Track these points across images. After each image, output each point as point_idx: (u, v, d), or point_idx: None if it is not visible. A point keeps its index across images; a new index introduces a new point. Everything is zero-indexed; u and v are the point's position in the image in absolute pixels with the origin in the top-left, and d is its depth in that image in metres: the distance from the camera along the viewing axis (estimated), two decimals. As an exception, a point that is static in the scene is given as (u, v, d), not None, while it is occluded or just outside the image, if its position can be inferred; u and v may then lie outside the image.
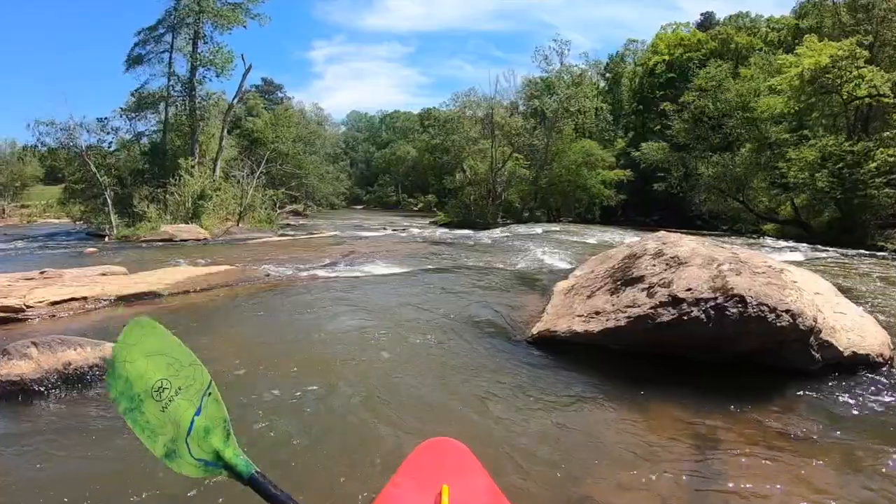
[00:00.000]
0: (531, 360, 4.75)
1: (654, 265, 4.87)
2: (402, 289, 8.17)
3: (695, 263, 4.65)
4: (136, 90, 25.14)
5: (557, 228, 26.21)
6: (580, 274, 7.01)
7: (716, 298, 4.15)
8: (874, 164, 19.42)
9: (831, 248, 17.61)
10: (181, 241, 17.30)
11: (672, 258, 4.83)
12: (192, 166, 22.59)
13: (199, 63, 24.66)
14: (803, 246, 18.34)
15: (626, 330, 4.43)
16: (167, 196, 21.21)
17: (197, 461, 1.38)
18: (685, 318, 4.13)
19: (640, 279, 4.76)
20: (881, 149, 19.54)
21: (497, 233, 24.03)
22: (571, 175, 35.75)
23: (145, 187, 22.32)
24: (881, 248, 18.50)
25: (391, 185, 68.92)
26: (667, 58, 37.67)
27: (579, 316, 4.89)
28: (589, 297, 5.24)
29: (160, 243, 16.72)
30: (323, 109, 58.22)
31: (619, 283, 5.06)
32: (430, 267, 10.92)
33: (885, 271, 11.80)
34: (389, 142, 73.39)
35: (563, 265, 11.72)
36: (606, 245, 16.67)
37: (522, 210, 35.56)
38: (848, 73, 20.11)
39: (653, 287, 4.50)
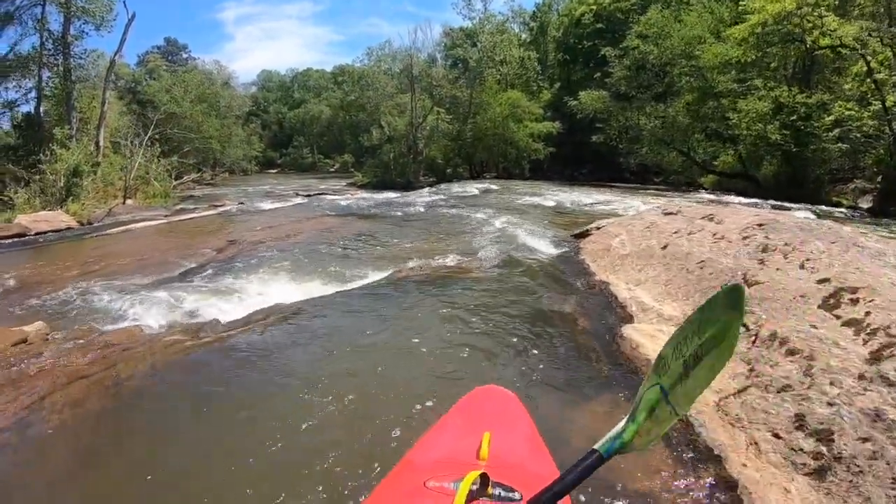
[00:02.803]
0: None
1: None
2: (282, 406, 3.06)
3: None
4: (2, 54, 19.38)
5: (496, 187, 22.38)
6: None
7: None
8: (831, 118, 17.82)
9: (793, 204, 15.84)
10: (37, 234, 11.78)
11: None
12: (69, 137, 17.35)
13: (73, 14, 18.85)
14: (766, 203, 16.47)
15: None
16: (39, 176, 15.69)
17: None
18: None
19: None
20: (839, 102, 17.98)
21: (426, 195, 19.70)
22: (497, 128, 32.13)
23: (12, 167, 16.86)
24: (838, 205, 17.62)
25: (306, 147, 61.85)
26: (594, 7, 33.51)
27: None
28: None
29: (8, 242, 10.89)
30: (226, 67, 50.06)
31: None
32: (349, 280, 6.27)
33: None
34: (302, 101, 65.92)
35: (546, 247, 7.82)
36: (576, 212, 13.19)
37: (445, 167, 31.96)
38: (808, 23, 18.30)
39: None
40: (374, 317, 4.58)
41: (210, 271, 6.68)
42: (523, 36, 40.16)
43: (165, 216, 14.94)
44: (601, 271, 5.39)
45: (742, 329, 3.13)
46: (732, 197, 18.79)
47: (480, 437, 1.48)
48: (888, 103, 16.31)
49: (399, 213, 13.78)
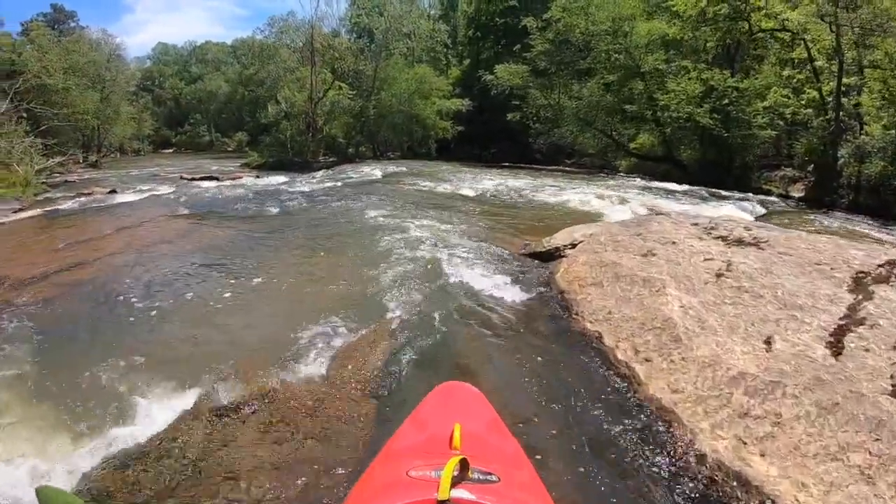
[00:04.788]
0: None
1: None
2: None
3: None
4: None
5: (404, 169, 19.31)
6: None
7: None
8: (765, 103, 16.98)
9: (725, 192, 14.81)
10: None
11: None
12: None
13: None
14: (699, 189, 15.17)
15: None
16: None
17: None
18: None
19: None
20: (774, 88, 17.14)
21: (321, 180, 16.51)
22: (403, 105, 29.24)
23: None
24: (768, 192, 16.18)
25: (203, 125, 56.63)
26: (507, -18, 31.13)
27: None
28: None
29: None
30: (114, 37, 42.70)
31: None
32: (146, 421, 2.96)
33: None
34: (200, 76, 59.97)
35: (504, 290, 4.63)
36: (505, 205, 10.49)
37: (347, 145, 28.75)
38: (755, 2, 17.24)
39: None
40: None
41: None
42: (432, 12, 37.09)
43: (14, 212, 11.38)
44: (701, 422, 2.20)
45: None
46: (668, 184, 16.69)
47: (451, 428, 1.46)
48: (824, 92, 15.33)
49: (274, 210, 10.49)
